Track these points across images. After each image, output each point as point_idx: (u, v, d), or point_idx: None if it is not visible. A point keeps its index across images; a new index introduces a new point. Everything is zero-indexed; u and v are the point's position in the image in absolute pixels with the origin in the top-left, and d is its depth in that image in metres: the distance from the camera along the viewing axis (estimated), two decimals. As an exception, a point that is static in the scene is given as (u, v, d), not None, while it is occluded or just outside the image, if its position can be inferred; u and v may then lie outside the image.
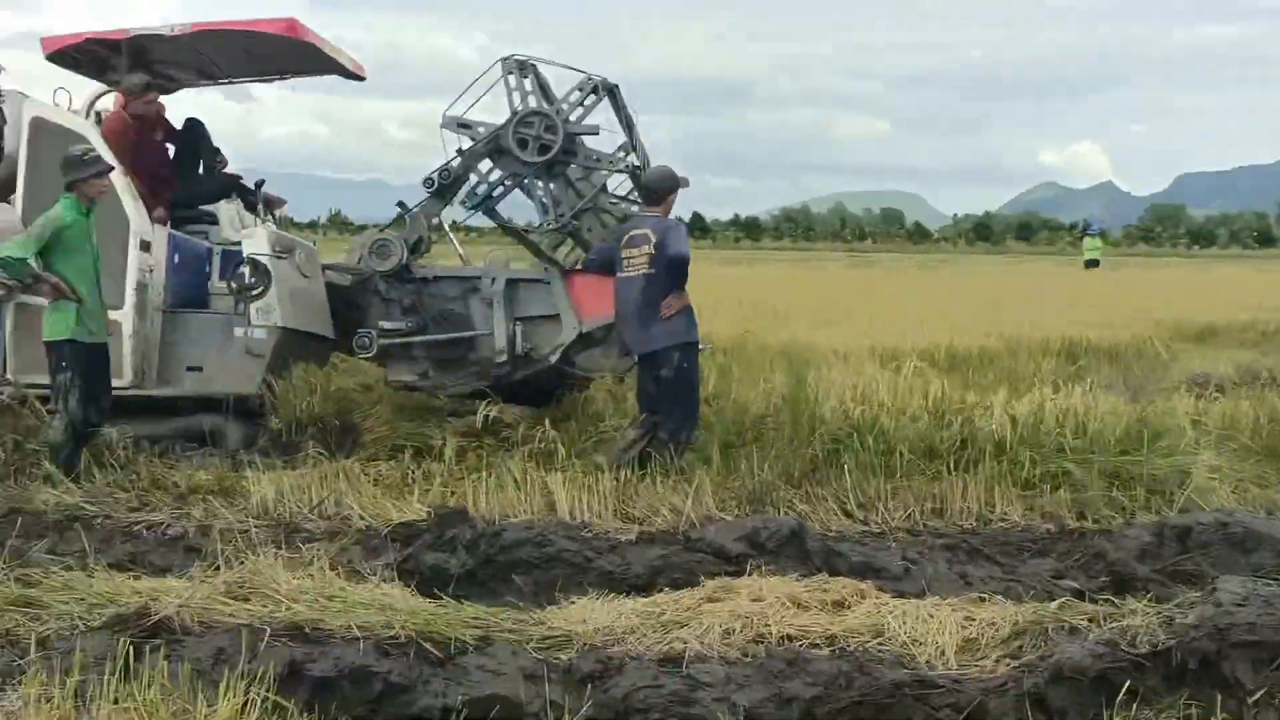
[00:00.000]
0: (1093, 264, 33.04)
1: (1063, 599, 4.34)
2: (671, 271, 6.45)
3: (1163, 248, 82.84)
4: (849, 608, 4.32)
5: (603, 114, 7.38)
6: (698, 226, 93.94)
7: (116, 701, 2.91)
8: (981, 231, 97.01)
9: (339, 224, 77.91)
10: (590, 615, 4.19)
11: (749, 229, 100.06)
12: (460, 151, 7.32)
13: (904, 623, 4.10)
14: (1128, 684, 3.53)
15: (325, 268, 7.81)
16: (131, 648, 3.35)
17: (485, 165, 7.36)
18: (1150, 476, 6.04)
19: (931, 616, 4.14)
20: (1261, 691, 3.64)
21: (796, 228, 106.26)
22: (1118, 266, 40.25)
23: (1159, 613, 4.01)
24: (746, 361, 9.60)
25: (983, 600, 4.43)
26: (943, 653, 3.91)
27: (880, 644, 3.99)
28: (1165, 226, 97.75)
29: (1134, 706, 3.46)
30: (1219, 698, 3.47)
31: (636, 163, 7.43)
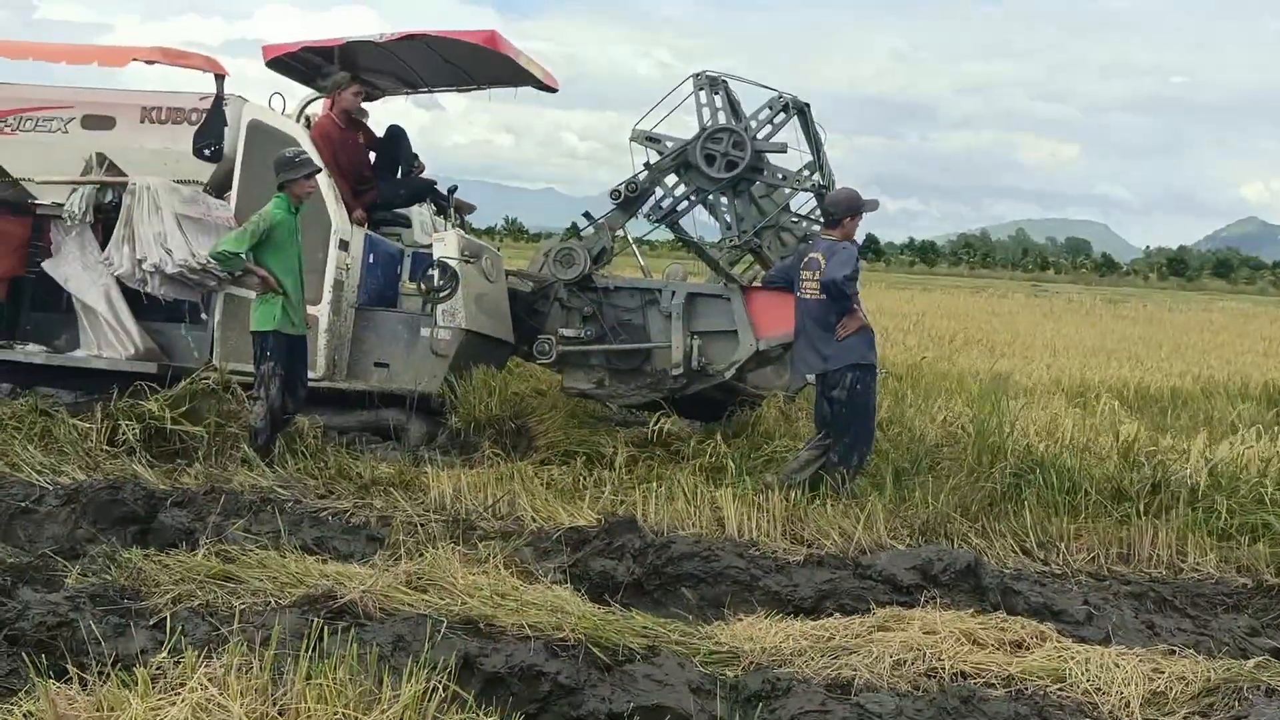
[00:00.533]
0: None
1: (1259, 658, 4.07)
2: (831, 294, 6.34)
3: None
4: (1028, 649, 4.16)
5: (790, 132, 7.36)
6: (872, 249, 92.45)
7: (309, 678, 3.05)
8: (1175, 266, 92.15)
9: (514, 231, 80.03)
10: (757, 634, 4.16)
11: (924, 253, 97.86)
12: (648, 165, 7.41)
13: (1086, 669, 3.92)
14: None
15: (508, 274, 8.04)
16: (323, 627, 3.51)
17: (671, 179, 7.43)
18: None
19: (1117, 666, 3.95)
20: None
21: (975, 254, 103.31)
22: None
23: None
24: (923, 389, 9.40)
25: (1172, 653, 4.20)
26: (1127, 704, 3.73)
27: (1061, 690, 3.83)
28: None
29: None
30: None
31: (822, 182, 7.38)
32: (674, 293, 7.40)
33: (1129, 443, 6.39)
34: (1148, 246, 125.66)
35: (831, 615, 4.51)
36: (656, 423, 7.08)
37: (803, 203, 7.64)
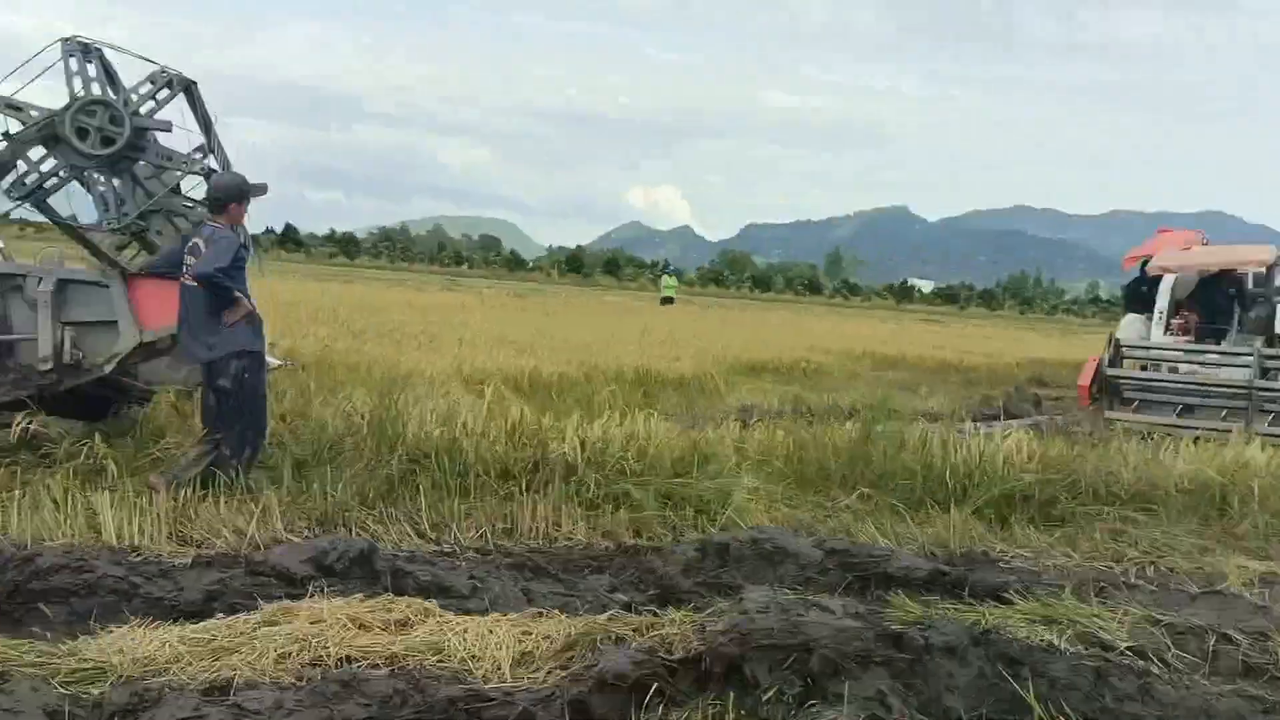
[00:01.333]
0: (668, 300, 35.53)
1: (612, 611, 4.62)
2: (205, 285, 6.17)
3: (730, 290, 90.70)
4: (412, 627, 4.34)
5: (178, 112, 6.93)
6: (291, 239, 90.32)
7: None
8: (573, 264, 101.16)
9: None
10: (129, 645, 3.89)
11: (345, 245, 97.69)
12: (7, 135, 6.58)
13: (464, 640, 4.17)
14: (657, 688, 3.80)
15: None
16: None
17: (37, 153, 6.67)
18: (698, 497, 6.58)
19: (491, 632, 4.26)
20: (773, 690, 4.08)
21: (395, 247, 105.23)
22: (690, 305, 43.52)
23: (694, 622, 4.38)
24: (330, 380, 9.38)
25: (541, 615, 4.62)
26: (499, 667, 4.03)
27: (439, 661, 4.04)
28: (733, 271, 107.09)
29: (663, 709, 3.73)
30: (732, 697, 3.82)
31: (214, 166, 7.04)
32: (40, 279, 6.65)
33: (515, 425, 6.88)
34: (550, 245, 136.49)
35: (218, 616, 4.36)
36: (21, 423, 6.32)
37: (194, 186, 7.23)
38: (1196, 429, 10.88)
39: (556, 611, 4.79)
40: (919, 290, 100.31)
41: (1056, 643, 4.86)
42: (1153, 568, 6.78)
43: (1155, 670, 4.54)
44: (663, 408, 11.37)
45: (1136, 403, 12.32)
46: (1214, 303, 13.74)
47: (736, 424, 7.97)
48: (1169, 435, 9.68)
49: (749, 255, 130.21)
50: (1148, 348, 13.05)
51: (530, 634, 4.37)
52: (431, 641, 4.17)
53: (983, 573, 6.14)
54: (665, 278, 39.15)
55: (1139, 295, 14.55)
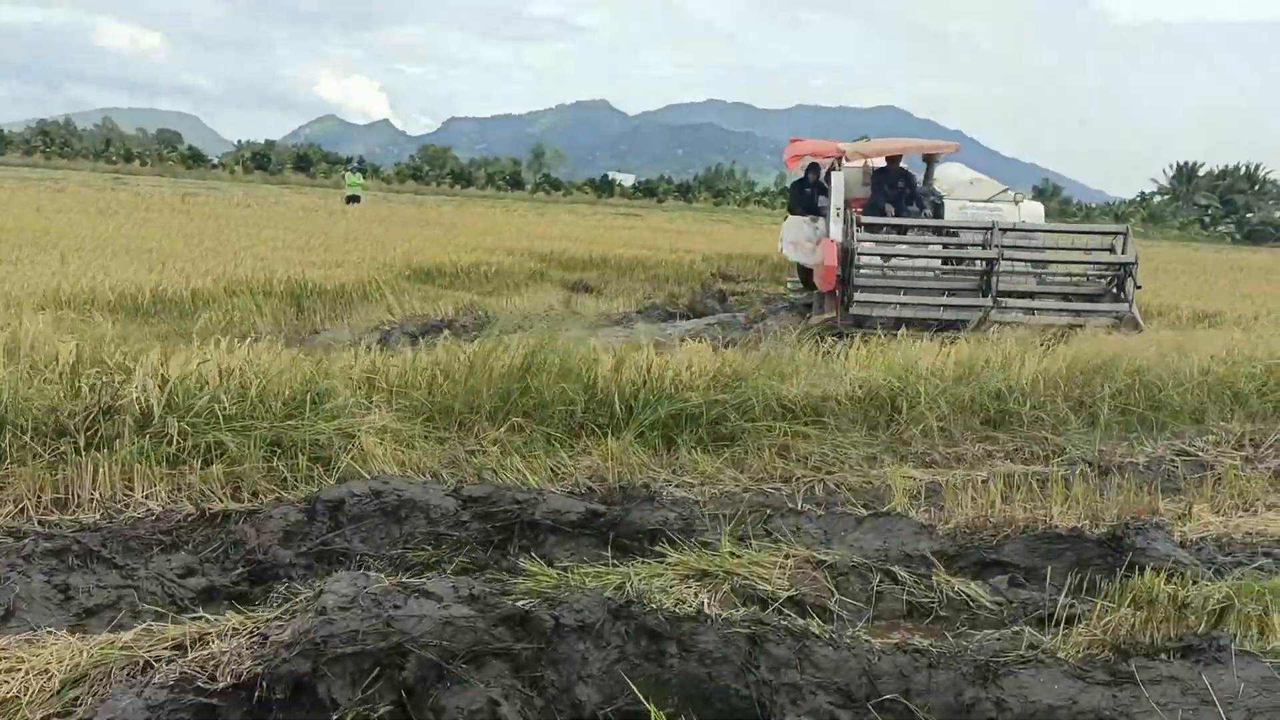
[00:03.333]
0: (354, 199, 33.32)
1: (147, 625, 3.51)
2: None
3: (430, 187, 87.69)
4: None
5: None
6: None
7: None
8: (260, 160, 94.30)
9: None
10: None
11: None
12: None
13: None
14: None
15: None
16: None
17: None
18: (314, 442, 5.48)
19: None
20: (358, 708, 3.17)
21: (53, 143, 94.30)
22: (385, 202, 41.30)
23: (254, 630, 3.37)
24: None
25: (51, 637, 3.45)
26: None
27: None
28: (433, 166, 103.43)
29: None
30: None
31: None
32: None
33: (74, 364, 5.48)
34: (239, 140, 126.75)
35: None
36: None
37: None
38: (953, 319, 10.94)
39: (90, 620, 3.66)
40: (620, 184, 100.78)
41: (709, 604, 4.22)
42: (822, 485, 6.36)
43: (815, 628, 3.96)
44: (308, 324, 10.11)
45: (903, 290, 12.00)
46: (883, 198, 13.81)
47: (374, 348, 6.84)
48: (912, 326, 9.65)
49: (449, 150, 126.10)
50: (887, 238, 12.70)
51: (19, 670, 3.21)
52: None
53: (640, 510, 5.43)
54: (349, 175, 36.63)
55: (802, 197, 14.48)
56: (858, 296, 11.60)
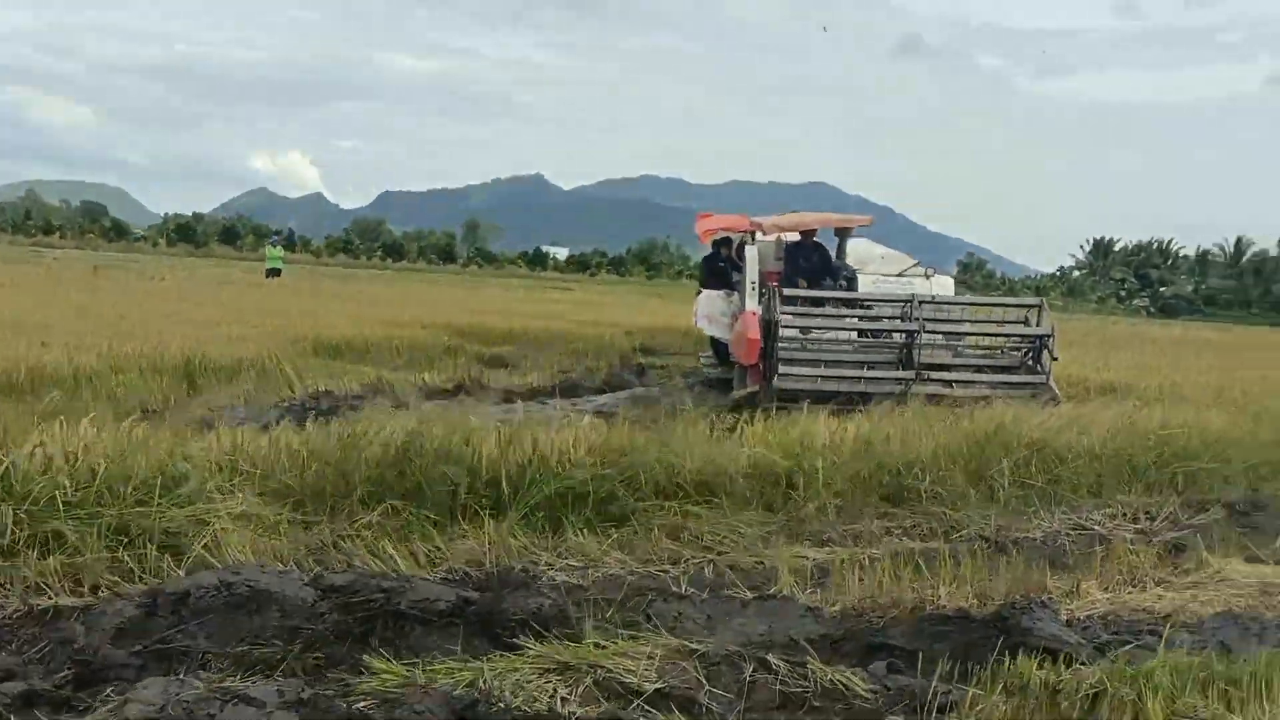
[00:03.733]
0: (274, 273, 32.83)
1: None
2: None
3: (360, 260, 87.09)
4: None
5: None
6: None
7: None
8: (185, 233, 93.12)
9: None
10: None
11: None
12: None
13: None
14: None
15: None
16: None
17: None
18: (165, 530, 5.15)
19: None
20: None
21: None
22: (310, 276, 40.72)
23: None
24: None
25: None
26: None
27: None
28: (365, 239, 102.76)
29: None
30: None
31: None
32: None
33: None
34: (166, 213, 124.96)
35: None
36: None
37: None
38: (874, 392, 10.82)
39: None
40: (554, 257, 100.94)
41: (570, 699, 3.97)
42: (712, 567, 6.15)
43: (678, 725, 3.73)
44: (202, 402, 9.74)
45: (822, 364, 11.89)
46: (798, 271, 13.82)
47: (241, 428, 6.53)
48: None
49: (384, 222, 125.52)
50: (809, 310, 12.61)
51: None
52: None
53: (516, 597, 5.15)
54: (270, 248, 36.12)
55: (715, 270, 14.46)
56: (781, 369, 11.50)
